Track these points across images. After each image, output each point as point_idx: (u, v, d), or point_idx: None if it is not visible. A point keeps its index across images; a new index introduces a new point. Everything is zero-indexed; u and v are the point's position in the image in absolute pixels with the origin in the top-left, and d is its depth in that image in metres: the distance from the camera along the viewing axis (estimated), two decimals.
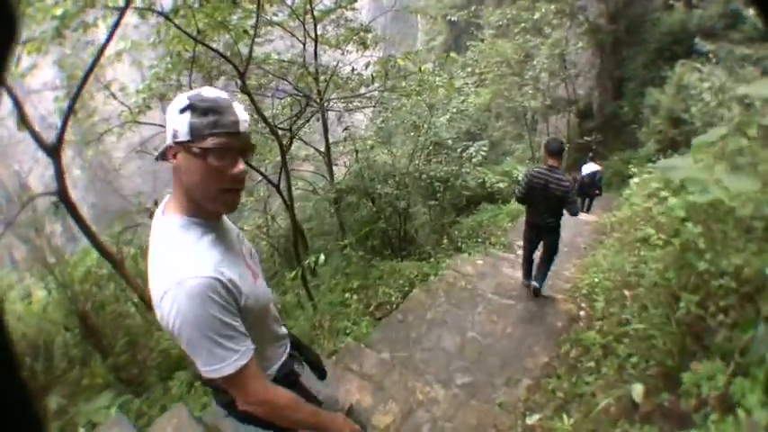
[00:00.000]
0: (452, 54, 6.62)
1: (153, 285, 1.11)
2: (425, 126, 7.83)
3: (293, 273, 5.82)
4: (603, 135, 14.62)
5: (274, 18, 6.60)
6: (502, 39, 15.64)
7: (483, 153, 10.25)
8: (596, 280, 4.97)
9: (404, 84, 7.08)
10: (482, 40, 15.76)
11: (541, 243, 4.76)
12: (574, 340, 4.16)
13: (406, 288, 5.58)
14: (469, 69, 16.59)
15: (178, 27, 4.67)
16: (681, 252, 2.55)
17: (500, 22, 15.56)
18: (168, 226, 1.15)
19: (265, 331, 1.35)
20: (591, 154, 11.11)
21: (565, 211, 4.30)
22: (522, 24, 14.82)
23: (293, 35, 6.91)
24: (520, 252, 6.67)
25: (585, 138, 14.08)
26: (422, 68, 6.81)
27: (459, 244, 7.15)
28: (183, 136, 1.08)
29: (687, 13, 13.30)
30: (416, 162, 7.71)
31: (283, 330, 1.49)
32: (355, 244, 6.96)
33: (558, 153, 3.96)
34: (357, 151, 7.68)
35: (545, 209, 4.13)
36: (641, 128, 12.79)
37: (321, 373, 1.66)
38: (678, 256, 2.59)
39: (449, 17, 21.68)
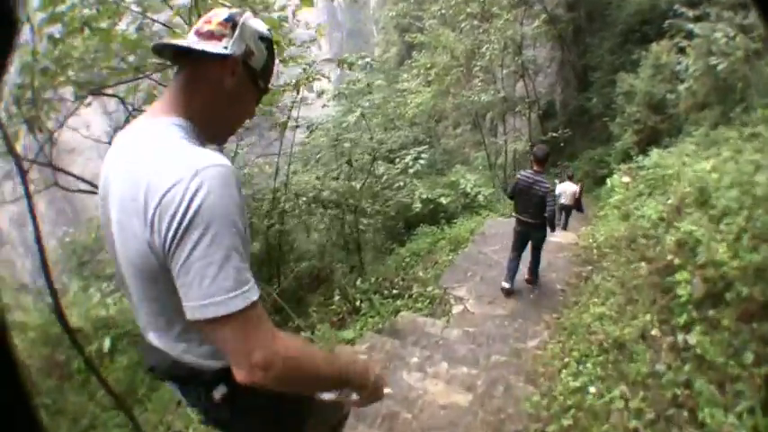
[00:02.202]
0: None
1: (148, 178, 0.79)
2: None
3: None
4: (569, 133, 12.66)
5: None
6: (446, 29, 13.55)
7: (422, 161, 7.71)
8: (592, 391, 2.30)
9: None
10: (421, 31, 13.56)
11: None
12: None
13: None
14: (414, 72, 14.41)
15: None
16: None
17: (442, 11, 13.43)
18: (168, 125, 0.90)
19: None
20: (569, 172, 9.01)
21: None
22: (468, 10, 12.66)
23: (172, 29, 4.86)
24: (456, 310, 4.06)
25: (552, 134, 11.92)
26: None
27: (359, 302, 4.28)
28: (255, 64, 1.00)
29: None
30: (288, 175, 5.02)
31: None
32: None
33: (543, 159, 4.24)
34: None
35: (529, 206, 4.26)
36: (614, 119, 10.70)
37: None
38: None
39: (390, 14, 19.58)
